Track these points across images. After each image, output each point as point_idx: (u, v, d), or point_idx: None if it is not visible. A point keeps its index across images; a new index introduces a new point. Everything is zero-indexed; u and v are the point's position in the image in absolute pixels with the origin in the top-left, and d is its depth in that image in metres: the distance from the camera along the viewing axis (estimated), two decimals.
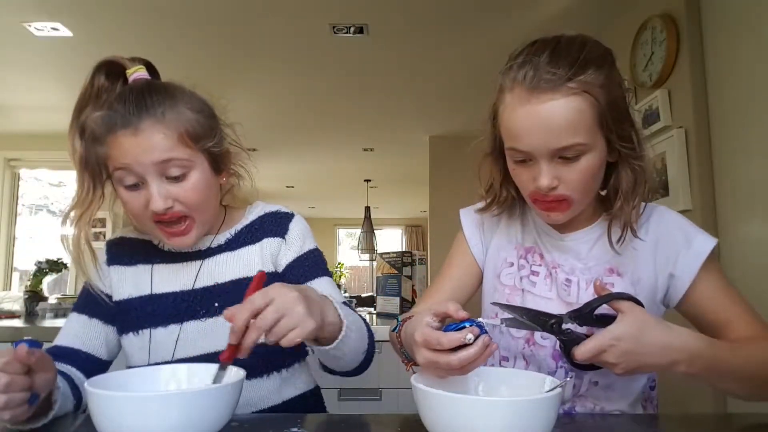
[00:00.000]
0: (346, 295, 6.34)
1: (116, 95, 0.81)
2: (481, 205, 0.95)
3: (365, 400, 2.04)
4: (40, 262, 2.80)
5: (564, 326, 0.72)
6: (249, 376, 0.85)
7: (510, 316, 0.73)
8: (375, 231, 6.93)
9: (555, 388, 0.61)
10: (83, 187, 0.81)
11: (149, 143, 0.77)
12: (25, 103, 3.90)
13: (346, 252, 10.94)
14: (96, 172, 0.82)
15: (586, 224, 0.87)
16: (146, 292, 0.90)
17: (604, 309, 0.73)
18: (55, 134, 4.58)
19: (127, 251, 0.93)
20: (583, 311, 0.72)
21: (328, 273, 0.95)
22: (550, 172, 0.75)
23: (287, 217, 0.95)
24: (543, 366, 0.84)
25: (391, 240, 10.64)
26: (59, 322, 2.12)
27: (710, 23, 1.95)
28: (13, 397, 0.60)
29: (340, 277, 9.64)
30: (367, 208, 6.88)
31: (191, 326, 0.88)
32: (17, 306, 2.60)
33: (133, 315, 0.89)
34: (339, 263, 10.21)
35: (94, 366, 0.89)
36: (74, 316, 0.92)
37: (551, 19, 2.60)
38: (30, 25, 2.65)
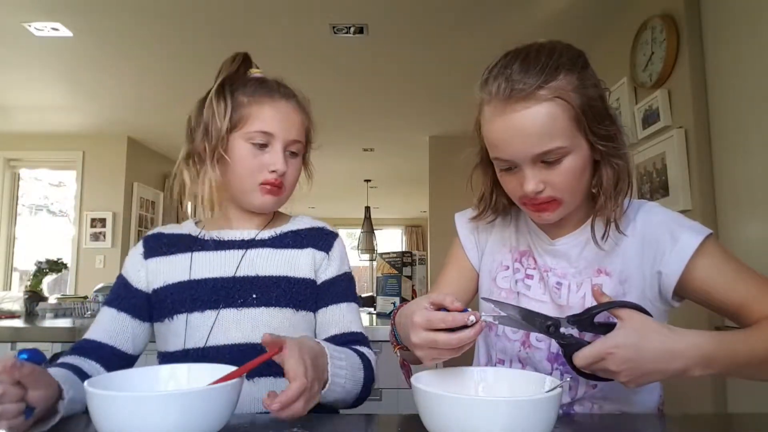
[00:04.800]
0: None
1: (259, 78, 0.97)
2: (474, 212, 0.97)
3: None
4: (40, 262, 2.80)
5: (562, 330, 0.72)
6: (250, 376, 0.85)
7: (504, 314, 0.73)
8: (375, 231, 6.93)
9: (555, 388, 0.62)
10: (221, 130, 0.91)
11: (291, 119, 0.95)
12: (25, 103, 3.90)
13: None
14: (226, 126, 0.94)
15: (576, 227, 0.87)
16: (185, 278, 0.93)
17: (604, 316, 0.73)
18: (55, 134, 4.59)
19: (164, 243, 0.97)
20: (583, 317, 0.72)
21: (355, 299, 1.01)
22: (534, 176, 0.77)
23: (332, 236, 1.02)
24: (539, 369, 0.85)
25: (391, 240, 10.64)
26: (59, 323, 2.11)
27: (710, 23, 1.95)
28: (7, 407, 0.60)
29: None
30: (367, 208, 6.87)
31: (227, 314, 0.90)
32: (17, 306, 2.60)
33: (169, 301, 0.92)
34: None
35: (119, 360, 0.90)
36: (105, 309, 0.94)
37: (551, 19, 2.60)
38: (30, 25, 2.65)
